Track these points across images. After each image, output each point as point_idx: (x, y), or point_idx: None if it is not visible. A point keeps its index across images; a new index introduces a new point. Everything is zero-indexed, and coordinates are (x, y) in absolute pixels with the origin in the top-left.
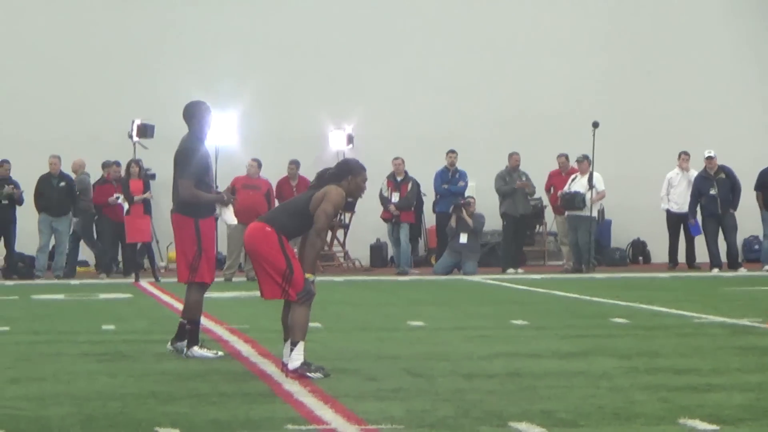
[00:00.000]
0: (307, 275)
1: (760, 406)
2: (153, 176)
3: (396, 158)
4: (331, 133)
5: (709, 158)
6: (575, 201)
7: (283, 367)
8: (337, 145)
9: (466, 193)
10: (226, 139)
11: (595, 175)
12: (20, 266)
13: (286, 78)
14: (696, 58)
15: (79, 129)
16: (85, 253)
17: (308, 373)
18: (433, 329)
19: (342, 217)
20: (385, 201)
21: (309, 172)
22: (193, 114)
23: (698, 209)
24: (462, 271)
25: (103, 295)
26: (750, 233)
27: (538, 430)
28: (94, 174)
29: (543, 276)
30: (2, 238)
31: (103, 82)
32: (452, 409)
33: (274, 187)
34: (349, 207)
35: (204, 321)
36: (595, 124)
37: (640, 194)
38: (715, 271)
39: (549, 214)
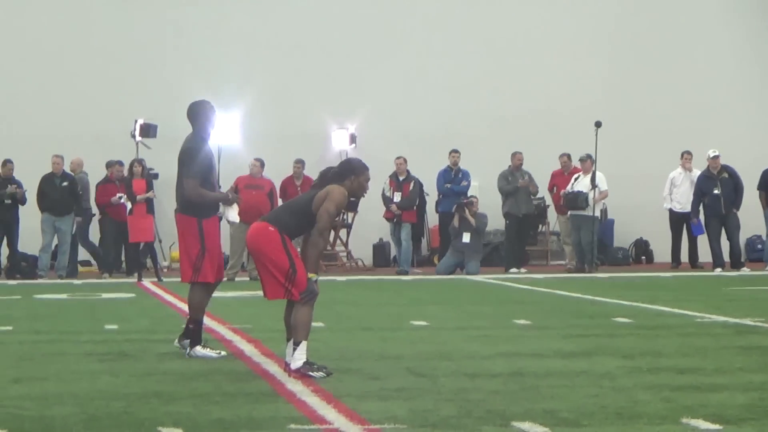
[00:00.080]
0: (310, 275)
1: (763, 405)
2: (156, 176)
3: (398, 158)
4: (334, 132)
5: (714, 158)
6: (578, 200)
7: (286, 366)
8: (339, 144)
9: (469, 193)
10: (229, 138)
11: (598, 174)
12: (23, 266)
13: (289, 77)
14: (698, 58)
15: (81, 128)
16: (86, 252)
17: (311, 373)
18: (435, 329)
19: (345, 216)
20: (387, 200)
21: (312, 171)
22: (198, 113)
23: (700, 209)
24: (465, 271)
25: (105, 295)
26: (753, 233)
27: (540, 429)
28: (97, 173)
29: (546, 276)
30: (5, 238)
31: (106, 82)
32: (455, 408)
33: (279, 186)
34: (352, 206)
35: (207, 321)
36: (598, 124)
37: (643, 194)
38: (718, 271)
39: (552, 213)
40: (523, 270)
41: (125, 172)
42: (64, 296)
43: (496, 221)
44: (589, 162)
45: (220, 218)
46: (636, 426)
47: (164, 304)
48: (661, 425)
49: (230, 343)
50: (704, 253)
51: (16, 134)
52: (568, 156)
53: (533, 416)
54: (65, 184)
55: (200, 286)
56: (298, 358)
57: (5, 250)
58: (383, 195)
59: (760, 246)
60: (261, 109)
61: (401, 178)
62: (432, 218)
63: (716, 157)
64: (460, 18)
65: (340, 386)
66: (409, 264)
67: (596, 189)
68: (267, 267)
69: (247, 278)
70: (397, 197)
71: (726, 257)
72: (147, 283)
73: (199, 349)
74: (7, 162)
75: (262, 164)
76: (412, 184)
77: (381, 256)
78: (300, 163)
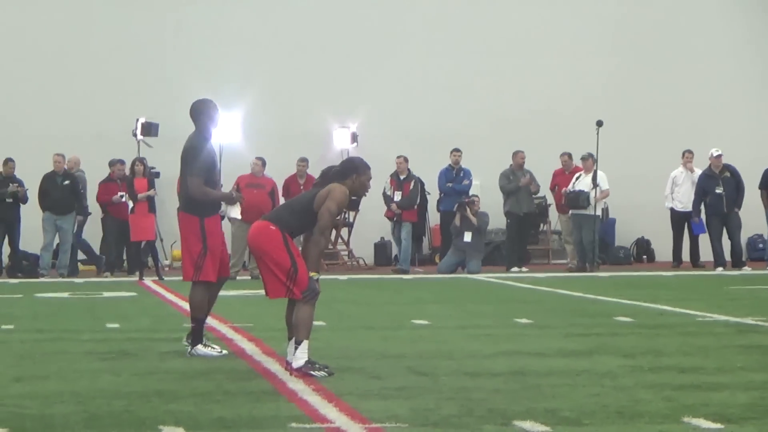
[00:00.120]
0: (312, 274)
1: (764, 404)
2: (157, 174)
3: (398, 157)
4: (336, 131)
5: (717, 156)
6: (579, 200)
7: (288, 365)
8: (341, 143)
9: (471, 192)
10: (230, 137)
11: (599, 173)
12: (24, 264)
13: (290, 76)
14: (700, 57)
15: (83, 127)
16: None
17: (312, 372)
18: (437, 328)
19: (346, 215)
20: (387, 199)
21: (313, 170)
22: (200, 112)
23: (702, 208)
24: (466, 270)
25: (107, 294)
26: (754, 232)
27: (542, 428)
28: (99, 172)
29: (547, 274)
30: (6, 237)
31: (107, 81)
32: (456, 407)
33: (281, 184)
34: (354, 205)
35: (208, 319)
36: (599, 123)
37: (644, 193)
38: (720, 270)
39: (553, 212)
40: (524, 269)
41: (127, 171)
42: (65, 295)
43: (497, 220)
44: (590, 161)
45: (223, 217)
46: (637, 425)
47: (165, 303)
48: (663, 424)
49: (231, 342)
50: (705, 253)
51: (17, 133)
52: (569, 155)
53: (534, 415)
54: (67, 182)
55: (201, 285)
56: (300, 357)
57: (6, 249)
58: (384, 194)
59: (761, 245)
60: (262, 108)
61: (402, 177)
62: (433, 217)
63: (719, 156)
64: (461, 17)
65: (341, 385)
66: (409, 263)
67: (597, 188)
68: (268, 266)
69: (249, 277)
70: (398, 196)
71: (727, 256)
72: (148, 281)
73: (200, 348)
74: (9, 161)
75: (264, 163)
76: (412, 184)
77: (382, 255)
78: (304, 162)
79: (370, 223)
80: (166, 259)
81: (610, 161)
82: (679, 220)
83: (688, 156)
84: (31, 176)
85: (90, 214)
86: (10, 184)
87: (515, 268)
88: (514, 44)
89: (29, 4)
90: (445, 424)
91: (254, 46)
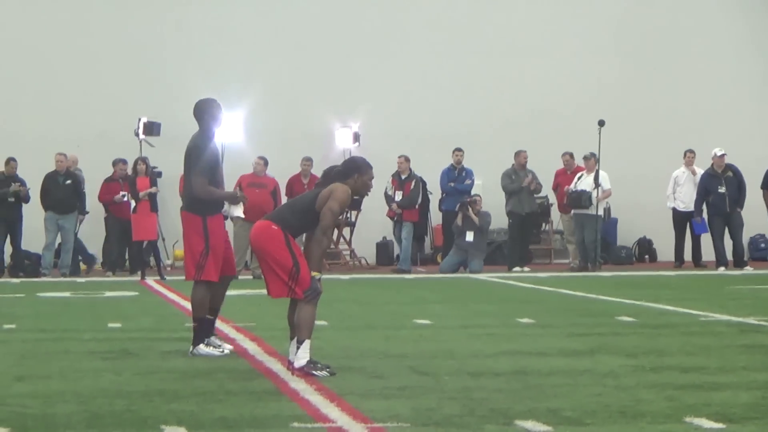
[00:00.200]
0: (314, 273)
1: (766, 404)
2: (159, 174)
3: (399, 156)
4: (338, 131)
5: (721, 156)
6: (581, 199)
7: (289, 365)
8: (343, 143)
9: (473, 191)
10: (232, 136)
11: (601, 173)
12: (26, 264)
13: (292, 76)
14: (701, 57)
15: (85, 127)
16: (91, 250)
17: (314, 372)
18: (439, 327)
19: (348, 215)
20: (389, 199)
21: (315, 170)
22: (204, 111)
23: (704, 207)
24: (468, 270)
25: (109, 293)
26: (756, 231)
27: (544, 428)
28: (101, 172)
29: (549, 274)
30: (8, 236)
31: (109, 80)
32: (458, 407)
33: (286, 183)
34: (356, 205)
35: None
36: (601, 123)
37: (646, 192)
38: (722, 270)
39: (555, 212)
40: (526, 268)
41: (129, 171)
42: (67, 294)
43: (499, 220)
44: (592, 161)
45: (226, 217)
46: (639, 425)
47: (167, 303)
48: (665, 424)
49: (233, 342)
50: (707, 252)
51: (19, 132)
52: (571, 154)
53: (536, 415)
54: (69, 182)
55: (203, 285)
56: (302, 356)
57: (8, 249)
58: (385, 194)
59: (763, 245)
60: (264, 108)
61: (403, 177)
62: (435, 217)
63: (722, 156)
64: (463, 17)
65: (343, 384)
66: (409, 263)
67: (599, 188)
68: (270, 265)
69: (251, 276)
70: (399, 196)
71: (729, 256)
72: (150, 281)
73: (202, 348)
74: (11, 160)
75: (266, 162)
76: (413, 183)
77: (384, 254)
78: (308, 161)
79: (372, 223)
80: (168, 259)
81: (612, 161)
82: (681, 219)
83: (689, 156)
84: (33, 176)
85: (87, 212)
86: (12, 184)
87: (517, 268)
88: (516, 44)
89: (31, 4)
90: (447, 424)
91: (256, 46)
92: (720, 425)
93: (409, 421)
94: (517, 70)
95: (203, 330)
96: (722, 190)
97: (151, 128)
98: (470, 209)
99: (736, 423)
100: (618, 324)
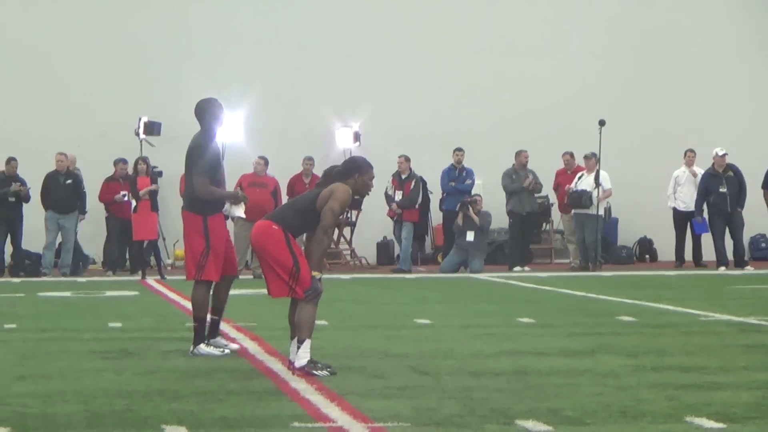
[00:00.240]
0: (314, 273)
1: (767, 404)
2: (160, 173)
3: (400, 156)
4: (338, 130)
5: (722, 156)
6: (582, 199)
7: (290, 364)
8: (343, 142)
9: (473, 191)
10: (233, 136)
11: (602, 173)
12: (27, 264)
13: (293, 76)
14: (702, 57)
15: (85, 126)
16: (90, 250)
17: (315, 371)
18: (439, 327)
19: (349, 214)
20: (389, 199)
21: (315, 169)
22: (206, 111)
23: (704, 207)
24: (468, 269)
25: (109, 293)
26: (756, 231)
27: (544, 428)
28: (101, 171)
29: (549, 274)
30: (9, 236)
31: (110, 80)
32: (459, 406)
33: (287, 183)
34: (356, 205)
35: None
36: (602, 123)
37: (647, 192)
38: (722, 269)
39: (555, 211)
40: (526, 268)
41: (129, 171)
42: (67, 294)
43: (499, 219)
44: (593, 160)
45: (227, 217)
46: (639, 424)
47: (168, 302)
48: (665, 424)
49: (234, 341)
50: (708, 252)
51: (19, 132)
52: (571, 154)
53: (537, 414)
54: (69, 181)
55: (203, 284)
56: (302, 356)
57: (9, 248)
58: (386, 193)
59: (764, 245)
60: (265, 107)
61: (403, 177)
62: (436, 216)
63: (724, 156)
64: (463, 17)
65: (343, 384)
66: (409, 263)
67: (600, 187)
68: (271, 265)
69: (251, 276)
70: (399, 196)
71: (730, 256)
72: (150, 280)
73: (203, 347)
74: (11, 160)
75: (267, 162)
76: (413, 183)
77: (384, 254)
78: (310, 161)
79: (373, 223)
80: (169, 259)
81: (612, 161)
82: (681, 219)
83: (690, 155)
84: (33, 175)
85: (86, 212)
86: (13, 183)
87: (518, 268)
88: (516, 44)
89: (31, 4)
90: (448, 424)
91: (257, 45)
92: (720, 425)
93: (409, 421)
94: (517, 70)
95: (203, 330)
96: (723, 189)
97: (152, 128)
98: (471, 209)
99: (737, 423)
100: (618, 324)
